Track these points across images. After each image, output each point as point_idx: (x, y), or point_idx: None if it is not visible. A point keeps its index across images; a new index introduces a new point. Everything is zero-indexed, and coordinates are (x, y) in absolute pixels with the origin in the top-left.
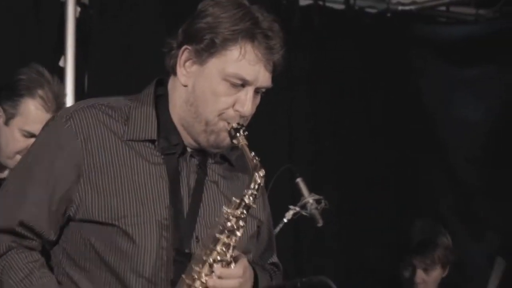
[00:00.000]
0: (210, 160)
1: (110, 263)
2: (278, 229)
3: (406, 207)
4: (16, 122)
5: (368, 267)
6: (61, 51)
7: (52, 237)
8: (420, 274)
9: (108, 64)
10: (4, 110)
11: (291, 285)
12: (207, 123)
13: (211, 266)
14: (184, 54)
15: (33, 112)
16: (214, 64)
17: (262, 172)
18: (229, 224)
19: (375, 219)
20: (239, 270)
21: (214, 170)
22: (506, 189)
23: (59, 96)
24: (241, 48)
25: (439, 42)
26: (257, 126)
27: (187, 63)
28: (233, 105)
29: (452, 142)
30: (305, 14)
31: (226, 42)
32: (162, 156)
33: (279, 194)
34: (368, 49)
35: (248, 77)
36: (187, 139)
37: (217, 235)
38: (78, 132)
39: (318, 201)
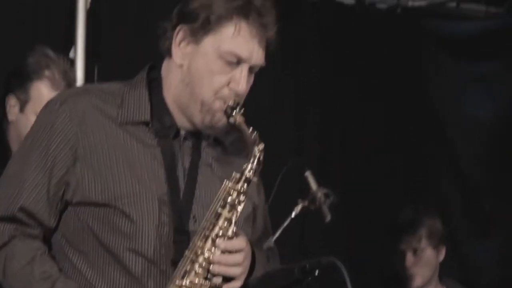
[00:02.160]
0: (203, 143)
1: (109, 244)
2: (286, 223)
3: (414, 203)
4: (31, 107)
5: (374, 264)
6: (72, 42)
7: (52, 223)
8: (409, 258)
9: (119, 56)
10: (18, 98)
11: (299, 267)
12: (202, 103)
13: (213, 241)
14: (180, 34)
15: (44, 94)
16: (209, 42)
17: (261, 146)
18: (230, 198)
19: (381, 215)
20: (242, 243)
21: (207, 153)
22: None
23: (67, 73)
24: (236, 25)
25: (449, 38)
26: (265, 121)
27: (182, 43)
28: (228, 84)
29: (461, 139)
30: (315, 10)
31: (221, 19)
32: (156, 139)
33: (287, 188)
34: (378, 45)
35: (243, 54)
36: (181, 121)
37: (219, 209)
38: (72, 116)
39: (327, 195)
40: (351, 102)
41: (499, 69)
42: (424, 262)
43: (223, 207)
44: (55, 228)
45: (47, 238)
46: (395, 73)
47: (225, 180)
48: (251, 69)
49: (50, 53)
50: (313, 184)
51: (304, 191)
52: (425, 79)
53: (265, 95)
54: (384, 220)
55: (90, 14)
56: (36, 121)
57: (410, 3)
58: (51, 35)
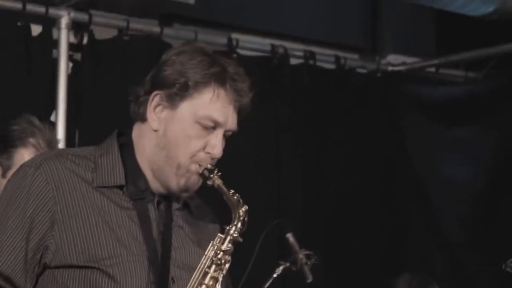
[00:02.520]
0: (174, 206)
1: None
2: (267, 284)
3: (393, 265)
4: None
5: None
6: (53, 106)
7: (28, 287)
8: None
9: (100, 120)
10: (0, 164)
11: None
12: (178, 166)
13: None
14: (155, 99)
15: None
16: (186, 108)
17: (245, 207)
18: (216, 258)
19: (361, 277)
20: None
21: (178, 216)
22: (495, 248)
23: (52, 142)
24: (214, 91)
25: (429, 102)
26: (246, 182)
27: (158, 108)
28: (204, 148)
29: (441, 201)
30: (296, 73)
31: (199, 86)
32: (132, 201)
33: (268, 250)
34: (358, 108)
35: (220, 119)
36: (154, 184)
37: (206, 269)
38: (49, 180)
39: (308, 257)
40: (329, 163)
41: (478, 133)
42: None
43: (210, 266)
44: None
45: None
46: (374, 135)
47: (211, 241)
48: (224, 134)
49: (36, 121)
50: (294, 246)
51: (284, 253)
52: (404, 142)
53: (245, 156)
54: (362, 283)
55: (71, 78)
56: (10, 185)
57: (390, 68)
58: (33, 98)
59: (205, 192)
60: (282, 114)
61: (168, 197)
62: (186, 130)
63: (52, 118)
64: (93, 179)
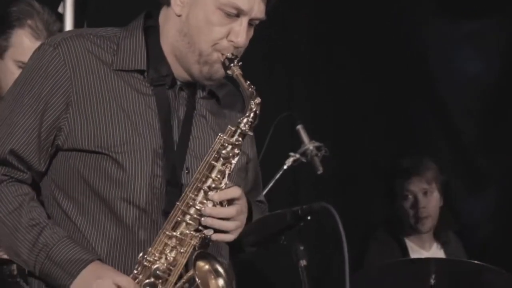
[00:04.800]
0: (198, 95)
1: (100, 192)
2: (278, 175)
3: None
4: (10, 54)
5: (366, 212)
6: None
7: (42, 167)
8: (421, 199)
9: (109, 11)
10: None
11: (291, 212)
12: (200, 54)
13: (205, 193)
14: None
15: (25, 42)
16: None
17: (258, 100)
18: (224, 151)
19: (370, 171)
20: (235, 193)
21: (202, 104)
22: (505, 142)
23: (50, 24)
24: None
25: None
26: (257, 74)
27: None
28: (227, 36)
29: (451, 95)
30: None
31: None
32: (152, 87)
33: (279, 142)
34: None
35: (244, 6)
36: (178, 71)
37: (213, 162)
38: (66, 60)
39: (318, 148)
40: (340, 58)
41: (488, 26)
42: (434, 206)
43: (217, 159)
44: (44, 173)
45: (36, 183)
46: (384, 29)
47: (219, 133)
48: (251, 22)
49: (35, 3)
50: (304, 137)
51: (295, 145)
52: (414, 36)
53: (257, 50)
54: (372, 177)
55: None
56: (28, 64)
57: None
58: None
59: None
60: (291, 12)
61: (193, 85)
62: (208, 16)
63: (60, 9)
64: (113, 61)
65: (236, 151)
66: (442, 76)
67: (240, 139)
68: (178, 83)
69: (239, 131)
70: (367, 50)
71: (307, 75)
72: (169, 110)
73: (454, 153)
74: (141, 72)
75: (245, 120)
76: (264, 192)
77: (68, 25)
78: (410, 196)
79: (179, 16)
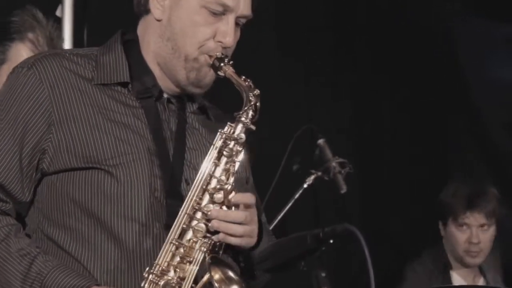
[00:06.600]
0: (188, 109)
1: (94, 212)
2: (297, 195)
3: (435, 175)
4: (6, 68)
5: (392, 236)
6: None
7: (26, 196)
8: (476, 233)
9: (109, 14)
10: None
11: (312, 235)
12: (186, 58)
13: (211, 195)
14: None
15: (23, 57)
16: None
17: (257, 92)
18: (227, 148)
19: (401, 186)
20: (245, 199)
21: (193, 119)
22: None
23: (53, 40)
24: None
25: None
26: (274, 88)
27: None
28: (214, 37)
29: (486, 105)
30: None
31: None
32: (138, 100)
33: (298, 158)
34: (400, 3)
35: (230, 2)
36: (164, 82)
37: (215, 160)
38: (43, 79)
39: (342, 165)
40: (365, 66)
41: None
42: (490, 238)
43: (219, 158)
44: (30, 205)
45: (21, 217)
46: (416, 33)
47: (219, 130)
48: (237, 21)
49: (39, 15)
50: (327, 153)
51: (314, 160)
52: (447, 39)
53: (275, 64)
54: (403, 193)
55: None
56: (2, 89)
57: None
58: None
59: None
60: (310, 15)
61: (181, 98)
62: (192, 17)
63: (58, 12)
64: (93, 77)
65: (239, 148)
66: (476, 84)
67: (243, 135)
68: (165, 95)
69: (240, 125)
70: (394, 58)
71: (329, 86)
72: (160, 121)
73: (488, 165)
74: (124, 85)
75: (244, 114)
76: (283, 213)
77: (67, 29)
78: (465, 227)
79: (159, 20)
